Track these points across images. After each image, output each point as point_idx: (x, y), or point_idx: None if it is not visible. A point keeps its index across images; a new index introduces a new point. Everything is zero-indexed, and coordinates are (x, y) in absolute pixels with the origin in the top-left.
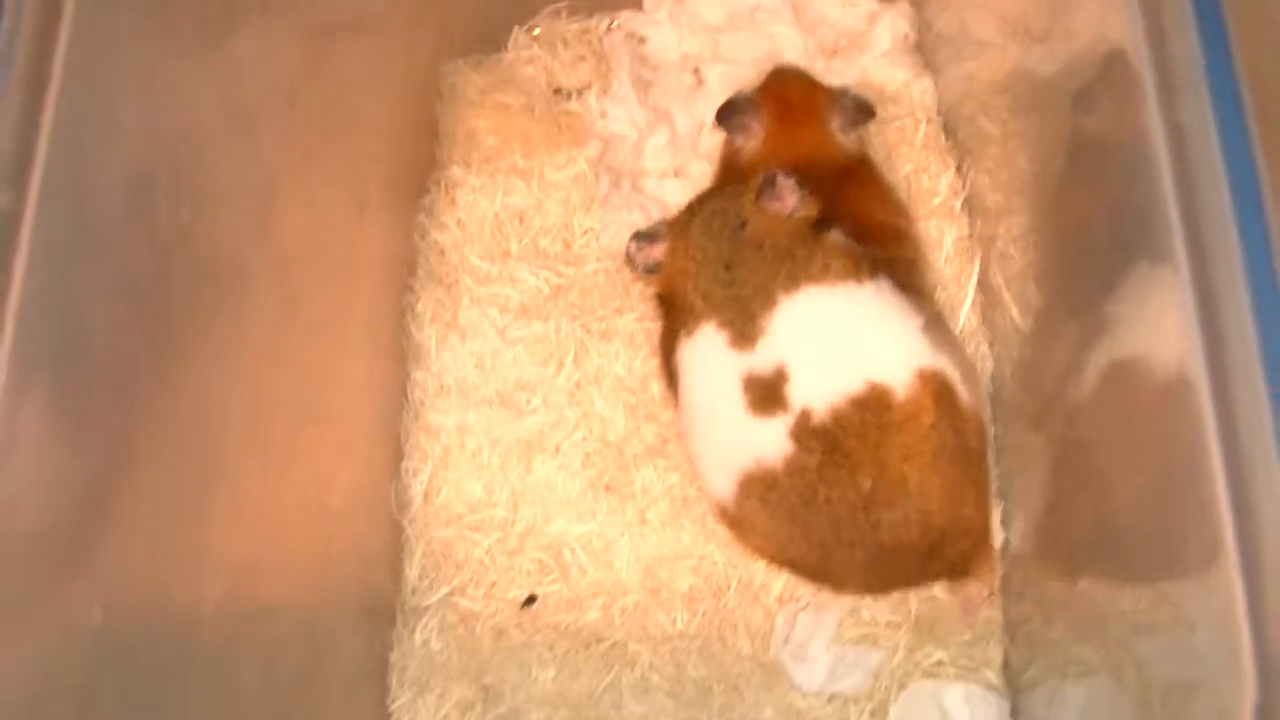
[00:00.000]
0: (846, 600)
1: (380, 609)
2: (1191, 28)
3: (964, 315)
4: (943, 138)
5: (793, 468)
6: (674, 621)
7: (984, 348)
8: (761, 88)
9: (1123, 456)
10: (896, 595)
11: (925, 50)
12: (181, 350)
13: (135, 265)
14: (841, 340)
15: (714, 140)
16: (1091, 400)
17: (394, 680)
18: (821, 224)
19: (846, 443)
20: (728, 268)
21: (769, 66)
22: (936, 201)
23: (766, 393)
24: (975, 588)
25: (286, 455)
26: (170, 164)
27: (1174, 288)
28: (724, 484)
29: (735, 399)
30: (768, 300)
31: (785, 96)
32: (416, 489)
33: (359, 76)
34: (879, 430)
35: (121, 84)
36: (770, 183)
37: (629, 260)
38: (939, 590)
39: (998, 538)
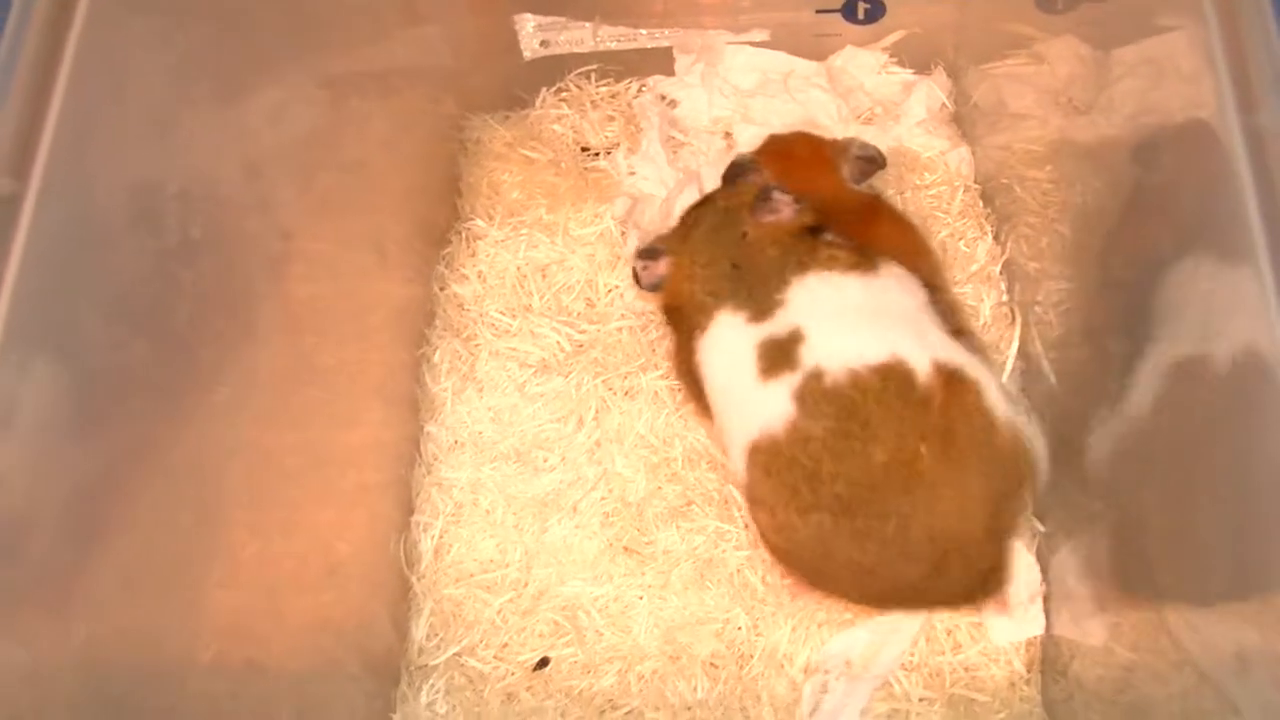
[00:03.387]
0: (878, 673)
1: (384, 668)
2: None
3: (1004, 381)
4: (980, 205)
5: (795, 435)
6: (694, 690)
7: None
8: (762, 148)
9: (1175, 532)
10: (931, 670)
11: (963, 121)
12: (184, 393)
13: (137, 276)
14: (860, 313)
15: None
16: (1137, 474)
17: None
18: (818, 230)
19: (865, 408)
20: (735, 266)
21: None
22: (974, 268)
23: (778, 354)
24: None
25: (290, 507)
26: (179, 182)
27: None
28: (739, 460)
29: (749, 368)
30: (781, 283)
31: (789, 152)
32: (427, 545)
33: (381, 129)
34: (901, 402)
35: (132, 95)
36: (765, 197)
37: (634, 278)
38: (976, 668)
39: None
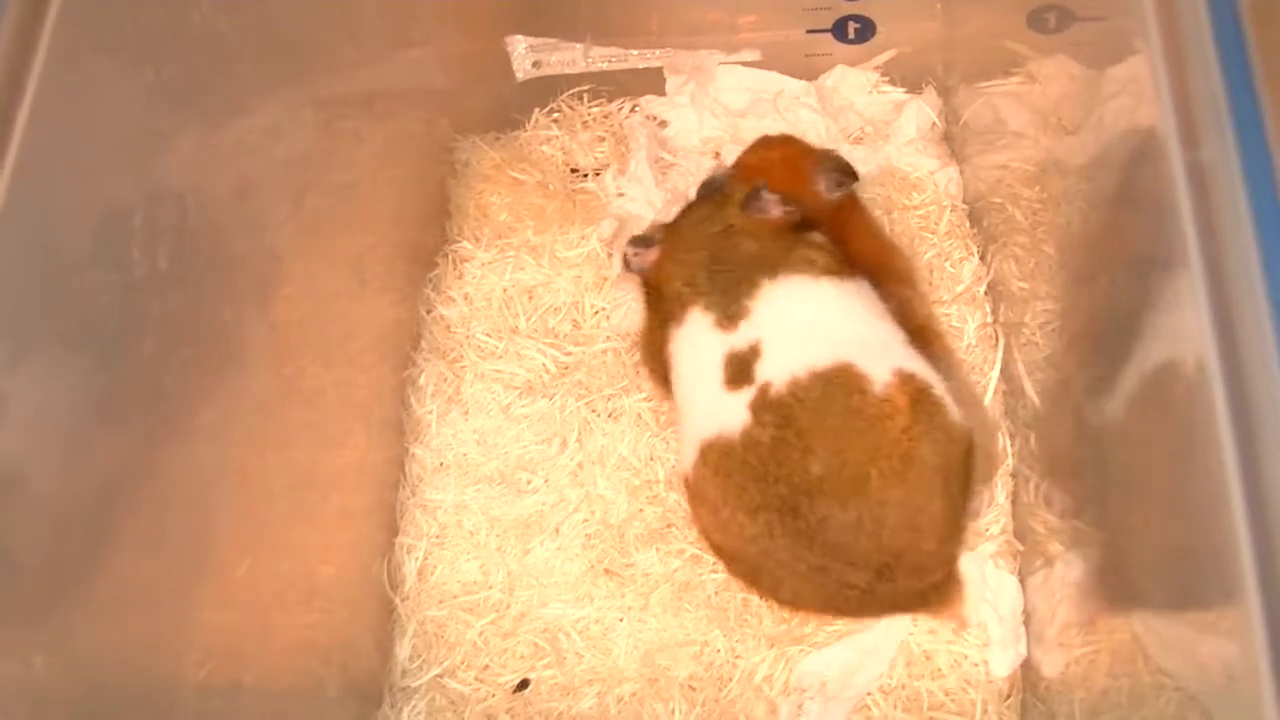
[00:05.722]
0: (853, 694)
1: (366, 689)
2: (1225, 118)
3: (987, 404)
4: (967, 225)
5: (747, 439)
6: (672, 712)
7: (1004, 441)
8: (740, 161)
9: (1153, 552)
10: (910, 693)
11: (953, 140)
12: (167, 417)
13: (112, 303)
14: (819, 321)
15: None
16: (1115, 495)
17: None
18: (804, 226)
19: (801, 418)
20: (713, 258)
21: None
22: (960, 288)
23: (740, 368)
24: (952, 614)
25: (276, 529)
26: (156, 210)
27: (1199, 367)
28: (690, 455)
29: (715, 376)
30: (751, 285)
31: (764, 166)
32: (410, 567)
33: (372, 151)
34: (843, 415)
35: (100, 128)
36: (755, 196)
37: (625, 264)
38: (955, 692)
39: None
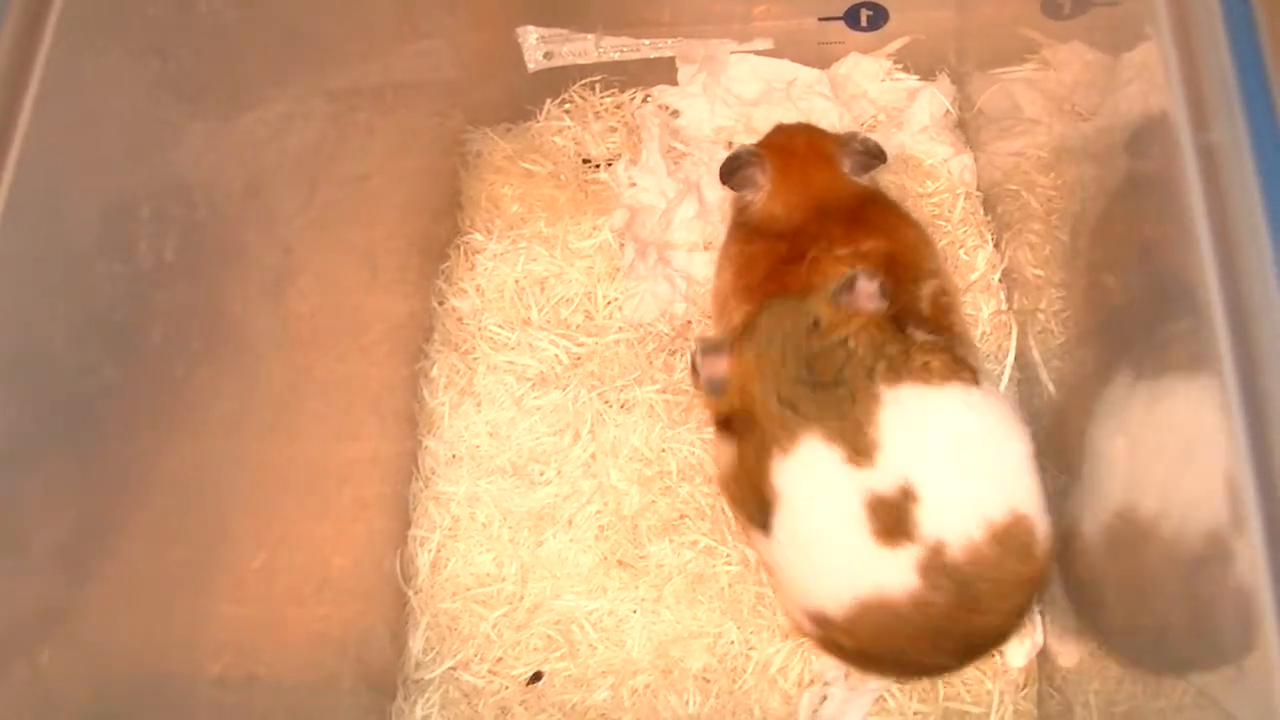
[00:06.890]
0: (875, 685)
1: (381, 682)
2: (1235, 101)
3: (1002, 391)
4: (981, 212)
5: (918, 603)
6: (686, 704)
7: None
8: (763, 141)
9: (1163, 544)
10: (927, 683)
11: (968, 127)
12: (179, 409)
13: (108, 300)
14: (971, 449)
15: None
16: (1125, 484)
17: None
18: (898, 320)
19: (976, 585)
20: (809, 367)
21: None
22: (974, 276)
23: (894, 518)
24: None
25: (289, 521)
26: (166, 202)
27: (1211, 354)
28: (835, 601)
29: (858, 523)
30: (871, 400)
31: (789, 145)
32: (424, 559)
33: (384, 143)
34: (1014, 583)
35: (107, 122)
36: (850, 285)
37: (693, 371)
38: (971, 683)
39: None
